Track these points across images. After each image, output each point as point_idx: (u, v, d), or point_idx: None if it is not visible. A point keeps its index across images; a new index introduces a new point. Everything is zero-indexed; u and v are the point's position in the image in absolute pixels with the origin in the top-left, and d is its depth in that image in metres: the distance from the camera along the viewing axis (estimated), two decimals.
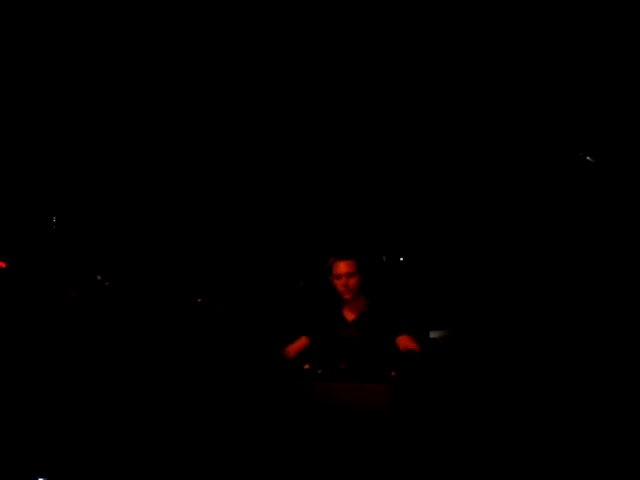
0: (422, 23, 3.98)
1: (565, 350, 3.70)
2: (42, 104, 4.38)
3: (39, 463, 2.51)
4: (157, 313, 3.79)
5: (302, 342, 2.93)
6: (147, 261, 4.88)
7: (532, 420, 2.82)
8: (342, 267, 2.86)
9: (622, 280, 4.24)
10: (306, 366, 2.57)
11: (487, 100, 4.46)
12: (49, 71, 4.19)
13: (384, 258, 5.14)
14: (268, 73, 4.39)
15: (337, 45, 4.18)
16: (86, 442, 2.53)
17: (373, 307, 2.89)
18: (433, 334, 3.30)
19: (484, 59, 4.18)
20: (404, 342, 2.68)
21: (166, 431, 2.53)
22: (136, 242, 4.95)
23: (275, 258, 5.16)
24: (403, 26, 4.02)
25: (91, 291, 3.97)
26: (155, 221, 5.01)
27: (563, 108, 4.31)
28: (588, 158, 3.88)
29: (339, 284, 2.87)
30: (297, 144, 4.92)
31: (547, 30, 3.89)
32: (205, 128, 4.78)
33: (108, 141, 4.71)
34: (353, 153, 4.96)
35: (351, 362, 2.62)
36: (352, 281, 2.84)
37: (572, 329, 3.92)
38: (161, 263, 4.90)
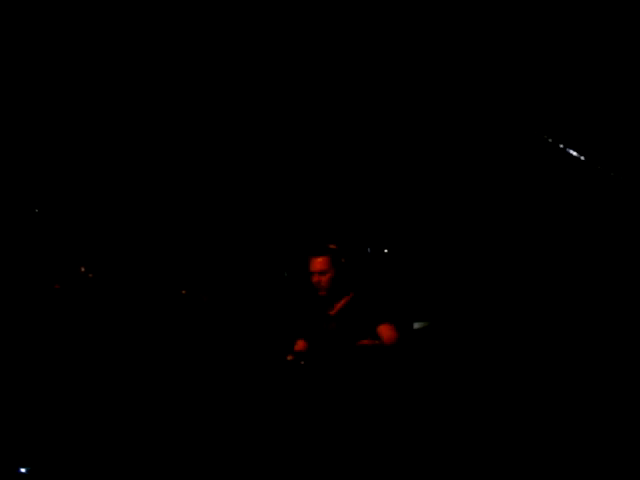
0: (422, 23, 3.97)
1: (554, 344, 3.72)
2: (30, 99, 4.35)
3: (22, 454, 2.50)
4: (142, 305, 3.78)
5: (301, 345, 2.91)
6: (131, 252, 4.85)
7: (521, 416, 2.84)
8: (314, 265, 2.83)
9: (620, 280, 4.26)
10: (289, 357, 2.58)
11: (476, 98, 4.47)
12: (47, 70, 4.16)
13: (368, 250, 5.15)
14: (258, 73, 4.39)
15: (336, 45, 4.17)
16: (68, 436, 2.52)
17: (354, 299, 2.88)
18: (417, 325, 3.32)
19: (484, 59, 4.18)
20: (383, 330, 2.68)
21: (154, 426, 2.53)
22: (120, 233, 4.92)
23: (260, 249, 5.16)
24: (403, 26, 4.01)
25: (74, 283, 3.94)
26: (139, 212, 4.99)
27: (563, 108, 4.32)
28: (573, 153, 3.90)
29: (313, 281, 2.85)
30: (281, 139, 4.91)
31: (547, 30, 3.89)
32: (190, 123, 4.76)
33: (91, 132, 4.67)
34: (336, 146, 4.96)
35: (332, 354, 2.63)
36: (324, 279, 2.82)
37: (563, 324, 3.95)
38: (145, 254, 4.88)
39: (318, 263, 2.81)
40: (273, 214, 5.16)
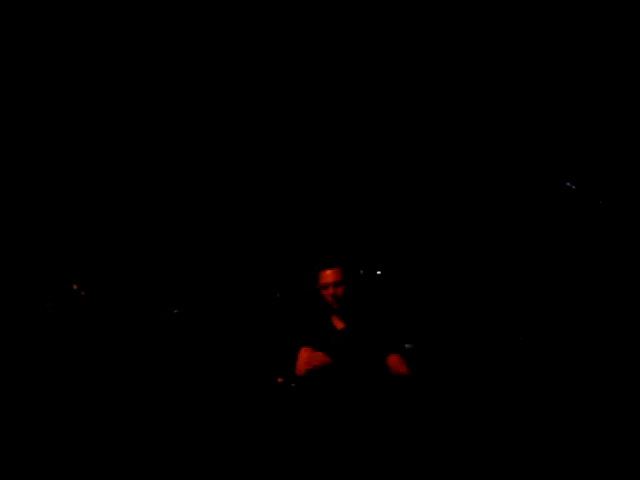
0: (422, 23, 3.97)
1: (555, 356, 3.73)
2: (21, 106, 4.34)
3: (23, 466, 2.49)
4: (134, 323, 3.77)
5: (306, 356, 2.79)
6: (124, 270, 4.85)
7: (523, 429, 2.82)
8: (328, 277, 2.72)
9: (619, 283, 4.27)
10: (279, 380, 2.54)
11: (470, 112, 4.50)
12: (47, 70, 4.15)
13: (361, 272, 5.16)
14: (256, 75, 4.38)
15: (336, 45, 4.16)
16: (65, 448, 2.51)
17: (362, 315, 2.79)
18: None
19: (484, 59, 4.18)
20: (394, 363, 2.63)
21: (156, 431, 2.53)
22: (112, 251, 4.92)
23: (252, 269, 5.15)
24: (403, 26, 4.01)
25: (67, 301, 3.94)
26: (132, 231, 4.98)
27: (563, 108, 4.32)
28: (568, 184, 3.93)
29: (327, 294, 2.72)
30: (280, 151, 4.90)
31: (547, 30, 3.89)
32: (183, 140, 4.76)
33: (98, 140, 4.64)
34: (335, 162, 4.95)
35: (340, 370, 2.54)
36: (340, 290, 2.70)
37: (563, 334, 3.96)
38: (138, 273, 4.87)
39: (333, 274, 2.70)
40: (266, 234, 5.16)
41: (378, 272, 5.28)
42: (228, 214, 5.07)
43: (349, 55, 4.22)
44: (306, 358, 2.67)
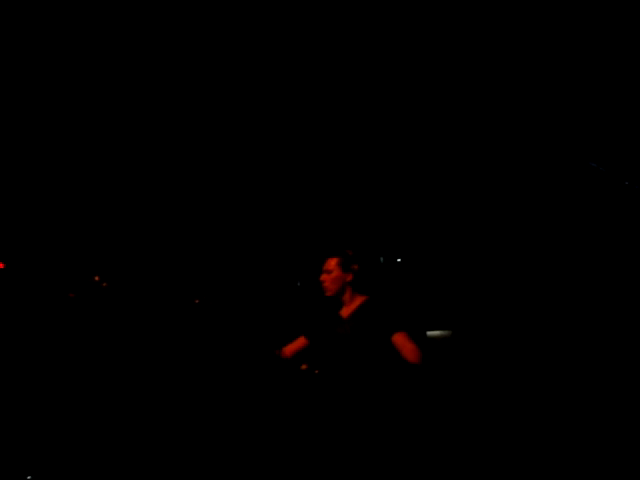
0: (422, 23, 3.97)
1: (564, 350, 3.69)
2: (40, 102, 4.37)
3: (28, 462, 2.51)
4: (155, 314, 3.78)
5: (300, 342, 2.94)
6: (145, 261, 4.87)
7: (531, 425, 2.81)
8: (325, 263, 2.92)
9: (621, 281, 4.24)
10: (303, 367, 2.57)
11: (486, 100, 4.47)
12: (47, 70, 4.18)
13: (381, 259, 5.14)
14: (263, 73, 4.39)
15: (336, 45, 4.17)
16: (82, 441, 2.52)
17: (368, 304, 2.88)
18: (432, 334, 3.31)
19: (484, 59, 4.17)
20: (399, 341, 2.67)
21: (164, 430, 2.53)
22: (134, 242, 4.94)
23: (273, 259, 5.16)
24: (403, 26, 4.01)
25: (89, 292, 3.96)
26: (152, 221, 5.01)
27: (563, 108, 4.31)
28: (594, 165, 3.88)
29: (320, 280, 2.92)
30: (294, 142, 4.91)
31: (548, 30, 3.88)
32: (203, 125, 4.77)
33: (105, 139, 4.69)
34: (350, 153, 4.95)
35: (345, 358, 2.63)
36: (328, 278, 2.88)
37: (571, 329, 3.92)
38: (158, 263, 4.89)
39: (327, 262, 2.91)
40: (286, 225, 5.17)
41: (398, 260, 5.26)
42: (254, 207, 5.11)
43: (349, 55, 4.22)
44: (291, 345, 2.95)
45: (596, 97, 4.14)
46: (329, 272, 2.88)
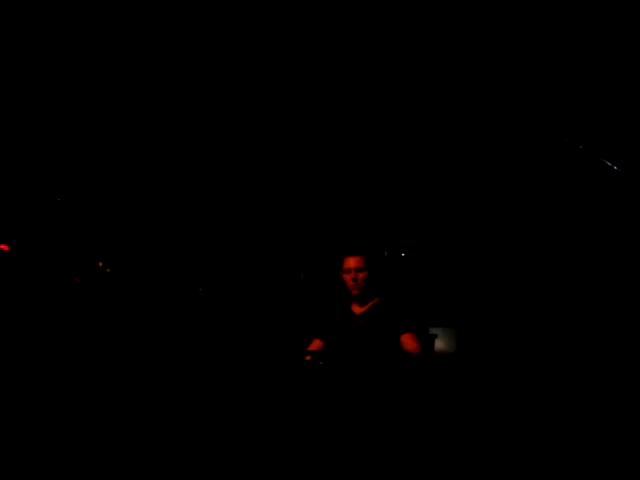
0: (422, 23, 3.96)
1: (565, 347, 3.70)
2: (45, 99, 4.37)
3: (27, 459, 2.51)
4: (158, 300, 3.80)
5: (317, 345, 2.94)
6: (149, 248, 4.88)
7: (533, 424, 2.82)
8: (352, 262, 2.91)
9: (622, 279, 4.24)
10: (307, 357, 2.58)
11: (489, 96, 4.46)
12: (48, 70, 4.18)
13: (385, 253, 5.13)
14: (268, 73, 4.39)
15: (337, 45, 4.16)
16: (84, 433, 2.53)
17: (382, 303, 2.91)
18: (434, 330, 3.32)
19: (484, 59, 4.17)
20: (406, 341, 2.71)
21: (166, 423, 2.54)
22: (138, 229, 4.95)
23: (277, 250, 5.16)
24: (403, 26, 4.00)
25: (93, 277, 3.97)
26: (157, 209, 5.01)
27: (563, 108, 4.30)
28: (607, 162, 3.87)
29: (348, 279, 2.92)
30: (301, 139, 4.91)
31: (548, 30, 3.87)
32: (210, 120, 4.77)
33: (109, 128, 4.69)
34: (356, 149, 4.95)
35: (358, 353, 2.66)
36: (361, 276, 2.89)
37: (572, 327, 3.92)
38: (163, 251, 4.90)
39: (355, 261, 2.91)
40: (291, 220, 5.17)
41: (402, 254, 5.26)
42: (260, 202, 5.12)
43: (349, 55, 4.22)
44: (310, 348, 2.96)
45: (596, 96, 4.13)
46: (361, 270, 2.90)
